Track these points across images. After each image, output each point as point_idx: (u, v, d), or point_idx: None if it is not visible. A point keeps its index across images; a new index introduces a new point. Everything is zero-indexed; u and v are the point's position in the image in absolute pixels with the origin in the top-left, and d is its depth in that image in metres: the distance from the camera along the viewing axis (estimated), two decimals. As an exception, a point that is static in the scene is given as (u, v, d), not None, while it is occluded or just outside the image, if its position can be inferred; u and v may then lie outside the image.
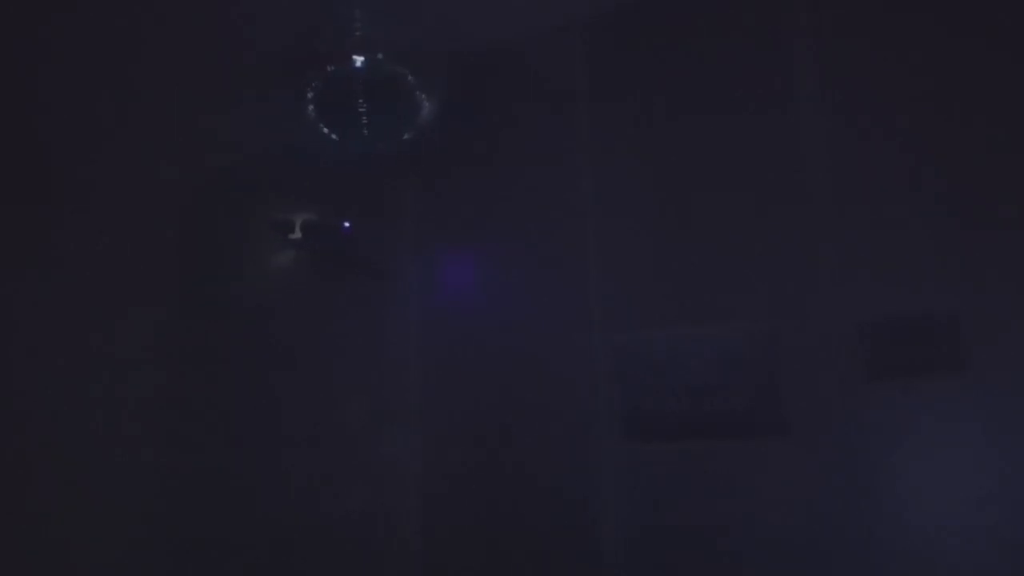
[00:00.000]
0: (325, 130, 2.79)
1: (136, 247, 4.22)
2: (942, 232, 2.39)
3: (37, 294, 3.83)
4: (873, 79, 2.56)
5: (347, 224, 3.51)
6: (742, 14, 2.82)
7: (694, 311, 2.80)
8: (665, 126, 2.95)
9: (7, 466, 3.55)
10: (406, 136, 2.83)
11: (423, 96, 2.72)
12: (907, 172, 2.47)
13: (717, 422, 2.69)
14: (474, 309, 3.33)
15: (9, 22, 2.91)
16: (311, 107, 2.73)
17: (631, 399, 2.86)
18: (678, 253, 2.86)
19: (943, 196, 2.40)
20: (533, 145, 3.26)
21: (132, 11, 2.90)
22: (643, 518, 2.81)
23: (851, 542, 2.38)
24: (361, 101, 2.65)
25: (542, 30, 3.21)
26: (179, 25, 3.01)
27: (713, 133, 2.83)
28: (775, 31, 2.76)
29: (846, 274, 2.53)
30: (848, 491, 2.41)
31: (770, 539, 2.53)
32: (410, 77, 2.65)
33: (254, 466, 3.94)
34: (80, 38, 3.06)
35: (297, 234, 3.69)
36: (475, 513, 3.23)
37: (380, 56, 2.59)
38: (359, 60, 2.60)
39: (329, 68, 2.61)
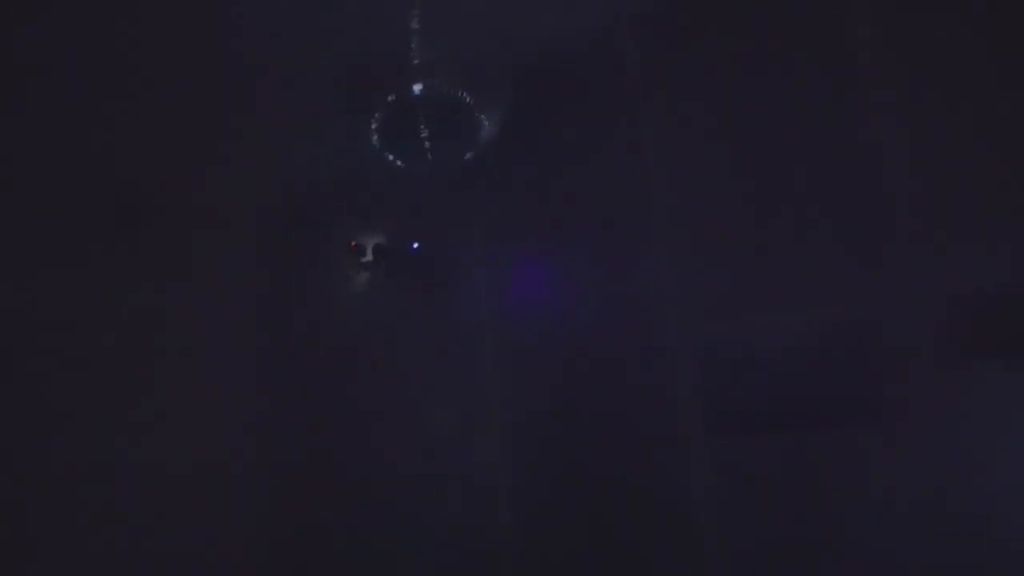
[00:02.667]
0: (390, 157, 2.86)
1: (217, 273, 4.41)
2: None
3: (132, 313, 4.05)
4: (943, 48, 2.47)
5: (416, 244, 3.59)
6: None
7: (777, 299, 2.74)
8: (730, 115, 2.90)
9: (119, 478, 3.76)
10: (469, 155, 2.87)
11: (482, 115, 2.75)
12: (994, 138, 2.35)
13: (807, 413, 2.64)
14: (553, 314, 3.35)
15: (90, 64, 3.08)
16: (375, 137, 2.81)
17: (718, 394, 2.84)
18: (756, 242, 2.81)
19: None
20: (598, 145, 3.26)
21: (196, 50, 3.03)
22: (737, 515, 2.78)
23: (955, 532, 2.30)
24: (423, 127, 2.71)
25: (594, 31, 3.20)
26: (247, 63, 3.13)
27: (782, 119, 2.77)
28: (838, 6, 2.69)
29: (935, 248, 2.42)
30: (948, 478, 2.33)
31: (869, 530, 2.47)
32: (468, 98, 2.69)
33: (347, 478, 4.08)
34: (153, 74, 3.21)
35: (369, 257, 3.80)
36: (565, 516, 3.26)
37: (437, 81, 2.64)
38: (418, 88, 2.65)
39: (390, 98, 2.68)
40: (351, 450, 4.08)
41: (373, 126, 2.73)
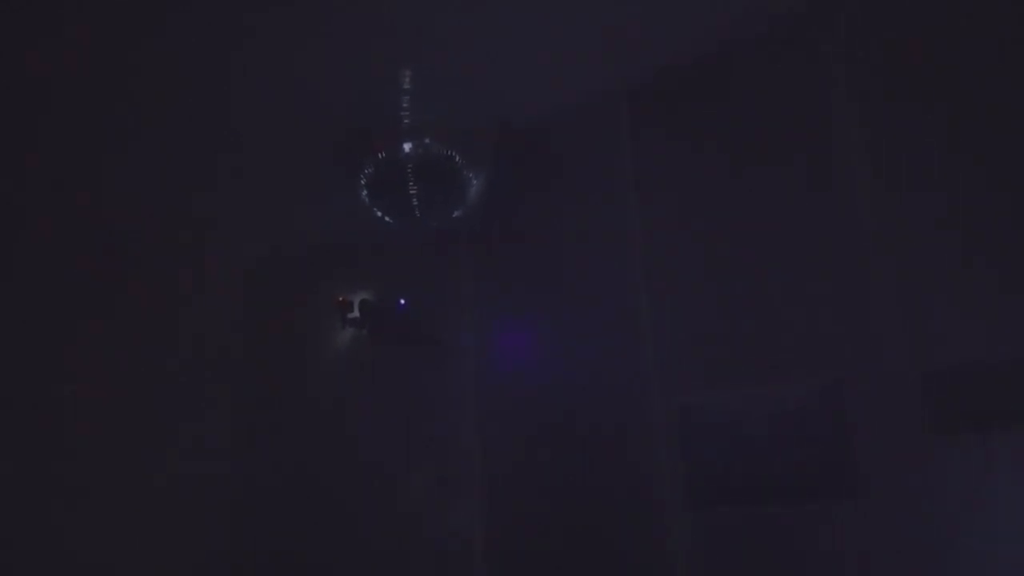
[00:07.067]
0: (379, 213, 2.92)
1: (203, 334, 4.43)
2: (1013, 275, 2.32)
3: (118, 369, 4.05)
4: (921, 136, 2.55)
5: (403, 301, 3.61)
6: (779, 72, 2.88)
7: (754, 370, 2.76)
8: (712, 187, 2.98)
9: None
10: (456, 214, 2.93)
11: (471, 175, 2.82)
12: (969, 220, 2.42)
13: (783, 484, 2.62)
14: (533, 378, 3.35)
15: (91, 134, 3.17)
16: (364, 193, 2.87)
17: (695, 464, 2.82)
18: (734, 313, 2.85)
19: (1010, 238, 2.34)
20: (583, 212, 3.32)
21: (192, 114, 3.12)
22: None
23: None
24: (411, 184, 2.77)
25: (584, 102, 3.30)
26: (239, 122, 3.21)
27: (761, 191, 2.85)
28: (813, 88, 2.79)
29: (910, 323, 2.47)
30: (922, 551, 2.30)
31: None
32: (457, 158, 2.77)
33: (322, 542, 3.99)
34: (143, 129, 3.29)
35: (355, 313, 3.81)
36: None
37: (428, 141, 2.72)
38: (408, 146, 2.73)
39: (380, 155, 2.75)
40: (327, 507, 4.01)
41: (362, 182, 2.80)
